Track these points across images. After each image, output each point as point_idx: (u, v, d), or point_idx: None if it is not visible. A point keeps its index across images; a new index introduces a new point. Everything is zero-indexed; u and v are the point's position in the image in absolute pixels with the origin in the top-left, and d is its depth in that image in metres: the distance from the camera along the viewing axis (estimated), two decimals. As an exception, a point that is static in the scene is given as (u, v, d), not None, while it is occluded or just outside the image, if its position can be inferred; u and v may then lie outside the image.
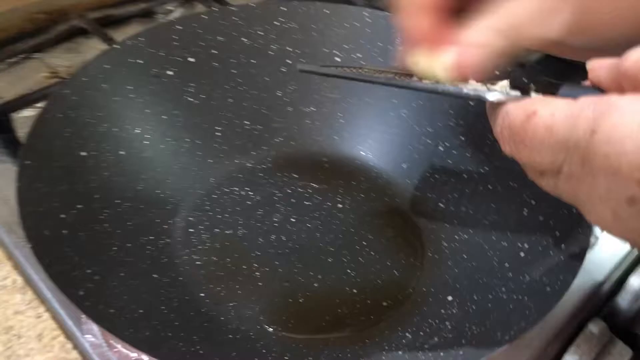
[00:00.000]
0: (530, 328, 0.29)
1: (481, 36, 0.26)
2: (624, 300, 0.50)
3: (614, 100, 0.20)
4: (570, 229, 0.34)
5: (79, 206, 0.37)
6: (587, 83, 0.25)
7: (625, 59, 0.22)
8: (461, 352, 0.30)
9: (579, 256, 0.32)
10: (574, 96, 0.23)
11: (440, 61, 0.27)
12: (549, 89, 0.25)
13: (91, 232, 0.36)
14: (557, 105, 0.22)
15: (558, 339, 0.44)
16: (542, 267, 0.34)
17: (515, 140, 0.24)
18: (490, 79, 0.27)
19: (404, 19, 0.28)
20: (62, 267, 0.31)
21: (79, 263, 0.33)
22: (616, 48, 0.28)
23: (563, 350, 0.46)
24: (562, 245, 0.34)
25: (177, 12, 0.70)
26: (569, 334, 0.46)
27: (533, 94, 0.26)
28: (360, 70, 0.30)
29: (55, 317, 0.40)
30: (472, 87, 0.27)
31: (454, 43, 0.26)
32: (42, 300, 0.41)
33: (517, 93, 0.26)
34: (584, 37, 0.27)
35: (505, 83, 0.27)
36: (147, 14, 0.69)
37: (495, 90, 0.26)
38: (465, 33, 0.26)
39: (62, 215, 0.35)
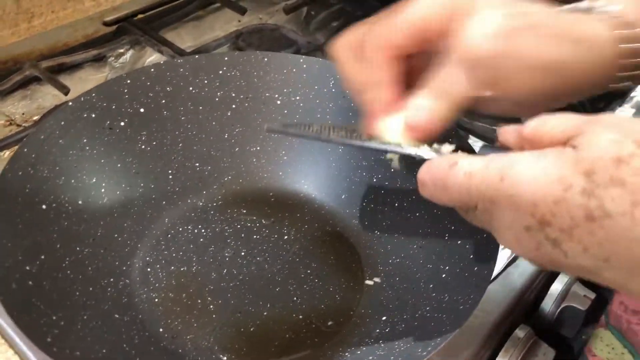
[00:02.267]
0: (443, 342, 0.33)
1: (423, 101, 0.32)
2: (547, 305, 0.55)
3: (515, 156, 0.27)
4: (481, 252, 0.39)
5: (42, 257, 0.40)
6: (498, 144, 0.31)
7: (525, 126, 0.28)
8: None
9: (486, 277, 0.37)
10: (488, 154, 0.29)
11: (394, 125, 0.33)
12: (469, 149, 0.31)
13: (55, 281, 0.40)
14: (473, 158, 0.28)
15: (488, 345, 0.49)
16: (459, 287, 0.39)
17: (437, 185, 0.30)
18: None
19: (364, 94, 0.34)
20: (30, 317, 0.34)
21: (45, 312, 0.36)
22: (527, 106, 0.34)
23: (494, 356, 0.51)
24: (475, 267, 0.39)
25: (128, 55, 0.73)
26: (498, 340, 0.51)
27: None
28: (320, 130, 0.35)
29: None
30: (412, 148, 0.32)
31: (405, 110, 0.33)
32: (11, 344, 0.43)
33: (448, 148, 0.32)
34: (498, 100, 0.34)
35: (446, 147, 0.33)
36: (99, 59, 0.72)
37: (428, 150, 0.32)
38: (410, 100, 0.33)
39: (27, 267, 0.38)
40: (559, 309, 0.55)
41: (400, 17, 0.33)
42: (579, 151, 0.25)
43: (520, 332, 0.51)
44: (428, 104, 0.32)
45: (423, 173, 0.30)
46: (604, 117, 0.25)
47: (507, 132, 0.31)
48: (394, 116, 0.33)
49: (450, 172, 0.29)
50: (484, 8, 0.32)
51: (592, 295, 0.53)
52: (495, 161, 0.27)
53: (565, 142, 0.26)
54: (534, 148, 0.27)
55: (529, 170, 0.25)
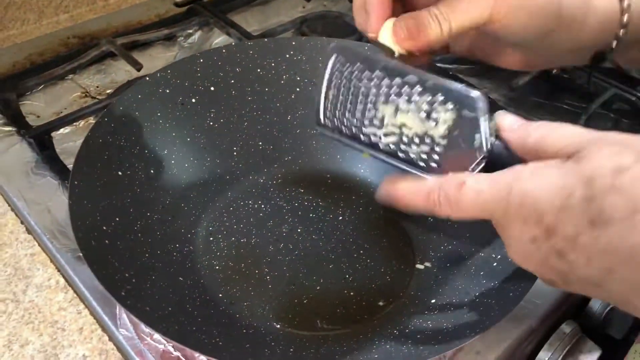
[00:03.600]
0: (491, 326, 0.35)
1: (430, 20, 0.34)
2: (596, 303, 0.56)
3: (520, 169, 0.28)
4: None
5: (117, 219, 0.43)
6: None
7: (530, 134, 0.29)
8: (435, 346, 0.36)
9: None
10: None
11: (388, 28, 0.36)
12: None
13: (127, 242, 0.43)
14: (480, 176, 0.30)
15: (534, 337, 0.50)
16: (509, 275, 0.40)
17: (451, 204, 0.31)
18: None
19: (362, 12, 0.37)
20: (107, 272, 0.37)
21: (119, 268, 0.39)
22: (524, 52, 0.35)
23: (538, 348, 0.51)
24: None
25: (196, 35, 0.77)
26: (544, 333, 0.52)
27: None
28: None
29: (93, 314, 0.46)
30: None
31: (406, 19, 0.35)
32: (82, 298, 0.47)
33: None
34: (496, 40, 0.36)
35: None
36: (169, 38, 0.75)
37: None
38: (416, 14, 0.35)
39: (104, 227, 0.41)
40: (607, 309, 0.55)
41: None
42: (581, 162, 0.25)
43: (566, 328, 0.52)
44: (430, 22, 0.34)
45: (436, 196, 0.31)
46: (609, 134, 0.26)
47: (511, 131, 0.31)
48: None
49: (460, 192, 0.30)
50: None
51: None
52: (501, 176, 0.29)
53: (568, 156, 0.27)
54: (538, 158, 0.28)
55: (533, 181, 0.27)
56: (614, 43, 0.36)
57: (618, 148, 0.25)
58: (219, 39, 0.76)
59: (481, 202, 0.29)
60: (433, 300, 0.44)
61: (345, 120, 0.38)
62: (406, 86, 0.34)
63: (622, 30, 0.35)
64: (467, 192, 0.29)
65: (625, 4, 0.35)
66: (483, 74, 0.70)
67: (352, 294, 0.46)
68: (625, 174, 0.24)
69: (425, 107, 0.33)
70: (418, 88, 0.34)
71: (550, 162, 0.27)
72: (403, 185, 0.33)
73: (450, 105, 0.33)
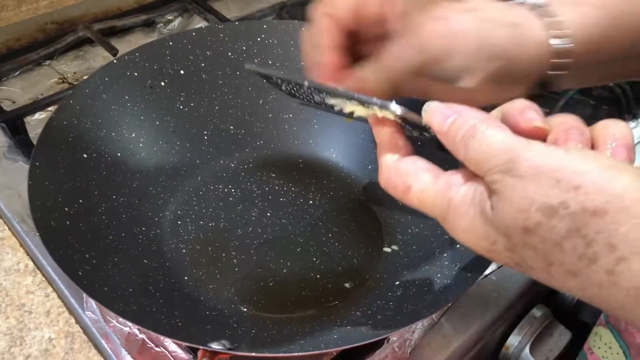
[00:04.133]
0: (446, 304, 0.35)
1: (365, 71, 0.35)
2: (568, 288, 0.56)
3: (453, 194, 0.28)
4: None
5: (80, 201, 0.43)
6: None
7: (457, 151, 0.28)
8: (392, 325, 0.36)
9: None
10: None
11: None
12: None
13: (90, 224, 0.43)
14: (426, 182, 0.30)
15: (504, 321, 0.50)
16: (470, 257, 0.40)
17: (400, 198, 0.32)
18: None
19: (311, 58, 0.37)
20: (64, 252, 0.37)
21: (79, 249, 0.39)
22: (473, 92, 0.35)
23: (509, 332, 0.52)
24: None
25: (176, 22, 0.76)
26: (515, 318, 0.52)
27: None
28: (289, 84, 0.36)
29: (61, 297, 0.46)
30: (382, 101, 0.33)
31: (348, 77, 0.35)
32: (50, 282, 0.47)
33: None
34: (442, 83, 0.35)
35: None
36: (148, 24, 0.75)
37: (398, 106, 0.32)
38: (355, 72, 0.35)
39: (66, 209, 0.41)
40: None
41: None
42: (495, 214, 0.26)
43: (537, 312, 0.52)
44: (370, 76, 0.34)
45: (384, 185, 0.32)
46: (522, 166, 0.25)
47: (440, 134, 0.30)
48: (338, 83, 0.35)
49: (405, 196, 0.31)
50: None
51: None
52: (437, 204, 0.29)
53: (491, 187, 0.27)
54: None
55: (460, 221, 0.28)
56: (553, 74, 0.36)
57: (525, 204, 0.25)
58: (199, 25, 0.75)
59: (425, 206, 0.30)
60: (397, 282, 0.44)
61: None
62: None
63: (557, 60, 0.35)
64: (412, 199, 0.30)
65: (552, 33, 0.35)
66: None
67: (318, 276, 0.46)
68: (533, 235, 0.25)
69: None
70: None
71: (472, 201, 0.28)
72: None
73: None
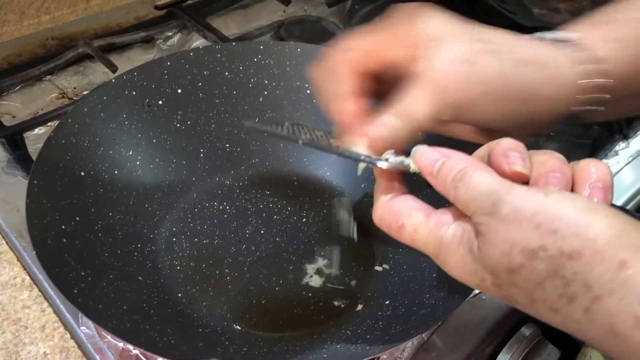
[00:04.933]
0: (434, 326, 0.35)
1: (387, 119, 0.34)
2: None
3: (444, 232, 0.30)
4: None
5: (77, 219, 0.44)
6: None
7: (447, 192, 0.30)
8: (380, 346, 0.37)
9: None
10: None
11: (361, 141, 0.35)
12: None
13: (86, 241, 0.43)
14: (418, 221, 0.31)
15: (493, 339, 0.51)
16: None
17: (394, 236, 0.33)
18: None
19: (331, 104, 0.36)
20: (60, 270, 0.38)
21: (75, 267, 0.40)
22: (493, 132, 0.36)
23: (498, 350, 0.52)
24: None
25: (175, 38, 0.77)
26: (504, 336, 0.52)
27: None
28: (292, 129, 0.36)
29: (57, 312, 0.47)
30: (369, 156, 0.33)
31: (369, 124, 0.34)
32: (46, 297, 0.48)
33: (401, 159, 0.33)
34: (463, 125, 0.36)
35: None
36: (147, 41, 0.76)
37: (385, 161, 0.33)
38: (376, 118, 0.34)
39: (63, 227, 0.42)
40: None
41: (367, 38, 0.35)
42: (481, 255, 0.28)
43: (526, 330, 0.53)
44: (391, 123, 0.33)
45: (385, 228, 0.34)
46: (504, 209, 0.27)
47: (430, 175, 0.31)
48: (359, 131, 0.34)
49: (398, 235, 0.32)
50: (449, 36, 0.33)
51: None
52: (429, 241, 0.31)
53: (472, 214, 0.28)
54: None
55: (452, 258, 0.30)
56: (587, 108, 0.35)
57: (507, 247, 0.26)
58: (198, 42, 0.76)
59: (418, 245, 0.32)
60: (387, 302, 0.44)
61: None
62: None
63: (593, 96, 0.34)
64: (404, 238, 0.32)
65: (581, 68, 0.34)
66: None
67: (310, 294, 0.47)
68: (517, 275, 0.26)
69: None
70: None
71: (463, 242, 0.29)
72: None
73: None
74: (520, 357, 0.52)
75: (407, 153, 0.33)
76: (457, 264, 0.29)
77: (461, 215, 0.30)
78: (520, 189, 0.27)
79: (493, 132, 0.35)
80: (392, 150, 0.33)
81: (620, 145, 0.64)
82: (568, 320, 0.26)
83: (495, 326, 0.50)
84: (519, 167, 0.29)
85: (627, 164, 0.61)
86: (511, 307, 0.50)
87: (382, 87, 0.36)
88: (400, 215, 0.32)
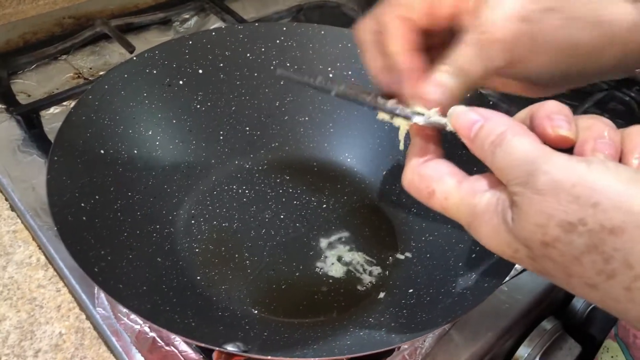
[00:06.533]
0: (462, 315, 0.34)
1: (440, 76, 0.32)
2: (578, 301, 0.55)
3: (477, 201, 0.28)
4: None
5: (96, 197, 0.43)
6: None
7: (485, 157, 0.28)
8: (407, 334, 0.36)
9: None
10: None
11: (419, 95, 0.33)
12: None
13: (106, 220, 0.43)
14: (449, 188, 0.30)
15: (514, 332, 0.50)
16: (485, 267, 0.40)
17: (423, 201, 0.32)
18: None
19: (383, 63, 0.35)
20: (81, 248, 0.37)
21: (95, 245, 0.39)
22: (543, 86, 0.35)
23: (518, 343, 0.51)
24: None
25: (192, 21, 0.76)
26: (525, 329, 0.51)
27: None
28: (325, 81, 0.35)
29: (72, 292, 0.46)
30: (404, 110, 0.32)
31: (424, 80, 0.33)
32: (62, 276, 0.47)
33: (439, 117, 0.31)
34: (515, 80, 0.34)
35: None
36: (164, 22, 0.75)
37: (421, 116, 0.32)
38: (429, 74, 0.33)
39: (82, 204, 0.41)
40: (590, 307, 0.55)
41: None
42: (515, 226, 0.26)
43: (547, 324, 0.52)
44: (444, 80, 0.32)
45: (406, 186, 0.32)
46: (540, 180, 0.25)
47: (467, 138, 0.30)
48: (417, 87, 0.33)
49: (428, 201, 0.31)
50: None
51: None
52: (463, 201, 0.29)
53: (508, 182, 0.27)
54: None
55: (485, 228, 0.28)
56: None
57: (543, 219, 0.25)
58: (215, 25, 0.75)
59: (447, 215, 0.30)
60: (411, 290, 0.43)
61: None
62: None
63: None
64: (434, 205, 0.30)
65: None
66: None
67: (330, 281, 0.46)
68: (552, 249, 0.25)
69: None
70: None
71: (497, 211, 0.28)
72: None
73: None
74: (541, 351, 0.51)
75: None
76: (490, 234, 0.28)
77: (496, 182, 0.28)
78: (560, 157, 0.25)
79: (538, 85, 0.34)
80: (437, 108, 0.32)
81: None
82: (606, 298, 0.25)
83: (516, 319, 0.49)
84: (564, 130, 0.28)
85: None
86: (532, 300, 0.50)
87: (431, 41, 0.35)
88: (430, 180, 0.30)
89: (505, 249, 0.27)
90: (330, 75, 0.33)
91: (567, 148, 0.28)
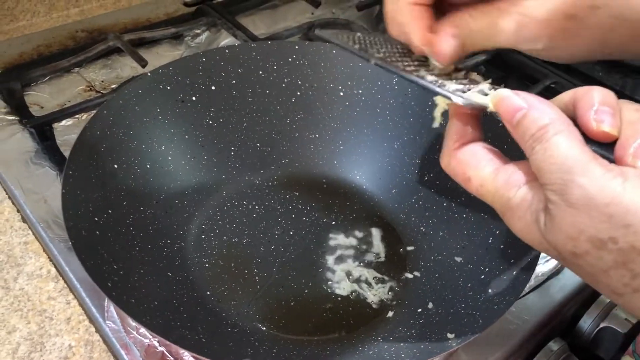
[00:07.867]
0: (473, 337, 0.35)
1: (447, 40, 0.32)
2: (585, 322, 0.55)
3: (512, 195, 0.29)
4: (522, 260, 0.40)
5: (109, 211, 0.43)
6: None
7: (525, 150, 0.29)
8: (417, 354, 0.36)
9: (523, 283, 0.38)
10: None
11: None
12: None
13: (118, 234, 0.43)
14: (485, 177, 0.30)
15: (521, 353, 0.50)
16: (496, 288, 0.40)
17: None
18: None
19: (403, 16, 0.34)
20: (94, 262, 0.38)
21: (108, 260, 0.40)
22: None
23: (525, 365, 0.51)
24: (514, 272, 0.40)
25: (204, 36, 0.77)
26: (531, 350, 0.51)
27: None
28: (365, 46, 0.34)
29: (82, 304, 0.46)
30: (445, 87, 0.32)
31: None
32: (72, 289, 0.47)
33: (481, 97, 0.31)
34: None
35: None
36: (176, 37, 0.76)
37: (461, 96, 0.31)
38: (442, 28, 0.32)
39: (96, 219, 0.42)
40: (597, 329, 0.55)
41: None
42: (547, 232, 0.27)
43: (554, 345, 0.52)
44: (451, 42, 0.32)
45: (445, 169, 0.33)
46: (575, 193, 0.26)
47: (509, 124, 0.30)
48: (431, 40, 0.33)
49: (465, 186, 0.32)
50: None
51: (634, 320, 0.53)
52: (498, 192, 0.30)
53: (544, 184, 0.27)
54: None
55: (518, 222, 0.29)
56: None
57: (574, 232, 0.26)
58: (226, 40, 0.76)
59: (484, 199, 0.31)
60: (419, 310, 0.44)
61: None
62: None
63: None
64: (470, 190, 0.31)
65: None
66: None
67: (339, 299, 0.46)
68: (581, 259, 0.27)
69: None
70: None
71: (531, 210, 0.28)
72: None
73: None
74: (548, 372, 0.51)
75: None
76: (523, 230, 0.29)
77: (533, 177, 0.28)
78: (597, 169, 0.25)
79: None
80: (477, 89, 0.31)
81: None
82: (630, 306, 0.27)
83: (523, 340, 0.49)
84: (606, 125, 0.27)
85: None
86: (539, 321, 0.50)
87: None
88: (467, 167, 0.31)
89: (538, 246, 0.29)
90: (368, 43, 0.32)
91: (609, 142, 0.27)
